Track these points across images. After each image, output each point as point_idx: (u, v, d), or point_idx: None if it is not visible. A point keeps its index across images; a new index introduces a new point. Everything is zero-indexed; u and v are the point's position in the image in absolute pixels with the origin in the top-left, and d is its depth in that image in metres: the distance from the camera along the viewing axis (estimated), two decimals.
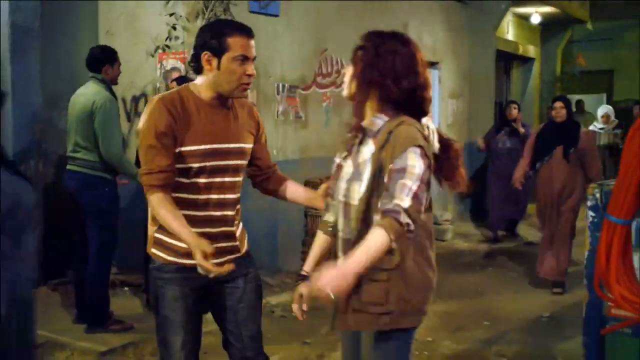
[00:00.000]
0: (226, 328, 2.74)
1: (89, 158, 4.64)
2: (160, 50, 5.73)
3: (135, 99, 6.11)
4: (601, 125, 10.08)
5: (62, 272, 5.88)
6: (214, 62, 2.52)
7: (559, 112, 6.19)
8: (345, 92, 2.40)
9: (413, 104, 2.31)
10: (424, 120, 2.35)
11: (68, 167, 4.77)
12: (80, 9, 6.23)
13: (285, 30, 6.67)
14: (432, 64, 9.24)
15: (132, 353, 4.48)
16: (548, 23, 12.86)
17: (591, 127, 9.78)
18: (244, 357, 2.72)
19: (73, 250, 5.05)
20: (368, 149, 2.34)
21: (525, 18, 12.44)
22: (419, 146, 2.22)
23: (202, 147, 2.54)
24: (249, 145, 2.69)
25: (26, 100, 5.61)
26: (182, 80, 5.12)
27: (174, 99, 2.54)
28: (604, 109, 10.53)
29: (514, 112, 8.42)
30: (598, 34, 14.61)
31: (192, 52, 2.60)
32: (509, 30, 12.10)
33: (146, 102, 6.10)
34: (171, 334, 2.61)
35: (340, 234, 2.42)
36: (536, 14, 12.11)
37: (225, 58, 2.50)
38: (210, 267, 2.36)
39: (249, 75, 2.53)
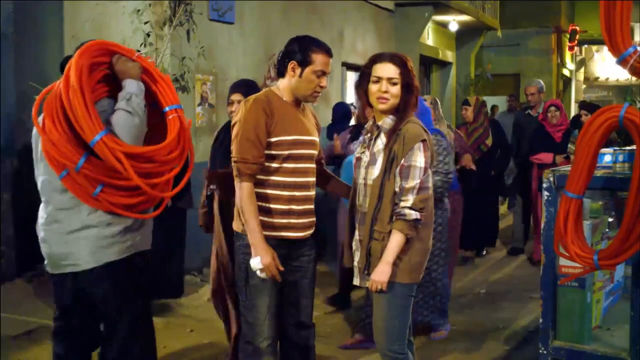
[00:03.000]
0: (286, 297, 3.12)
1: None
2: None
3: None
4: None
5: (34, 265, 6.13)
6: (298, 70, 2.96)
7: None
8: (384, 107, 2.92)
9: (412, 108, 2.96)
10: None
11: None
12: (47, 16, 6.49)
13: (239, 37, 7.16)
14: None
15: None
16: (463, 30, 13.81)
17: None
18: (299, 323, 3.16)
19: None
20: (381, 142, 2.96)
21: (444, 25, 13.35)
22: (423, 140, 2.87)
23: (289, 137, 2.97)
24: (317, 138, 3.14)
25: (1, 103, 5.87)
26: None
27: (265, 100, 2.96)
28: None
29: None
30: (506, 41, 15.75)
31: (278, 57, 3.04)
32: (429, 37, 12.97)
33: None
34: (260, 300, 3.00)
35: (359, 208, 3.01)
36: (454, 22, 13.04)
37: (307, 70, 2.95)
38: (276, 272, 2.88)
39: (322, 87, 3.00)
